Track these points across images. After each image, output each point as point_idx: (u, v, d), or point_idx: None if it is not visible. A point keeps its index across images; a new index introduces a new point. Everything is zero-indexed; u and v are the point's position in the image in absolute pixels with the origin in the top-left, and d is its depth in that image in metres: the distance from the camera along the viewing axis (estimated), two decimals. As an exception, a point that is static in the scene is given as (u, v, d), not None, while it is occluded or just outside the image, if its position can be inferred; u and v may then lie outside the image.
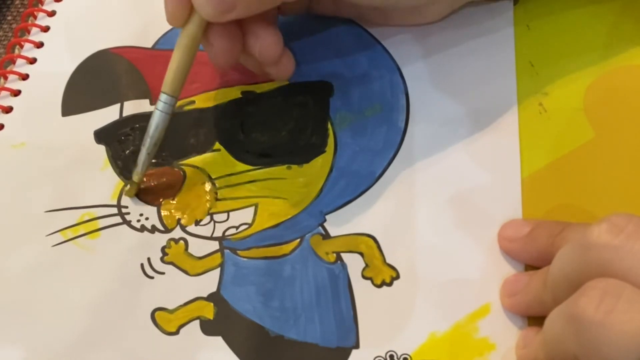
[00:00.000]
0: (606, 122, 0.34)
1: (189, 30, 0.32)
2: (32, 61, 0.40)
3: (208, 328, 0.31)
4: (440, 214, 0.32)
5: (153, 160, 0.35)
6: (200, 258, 0.32)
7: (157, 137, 0.33)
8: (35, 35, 0.41)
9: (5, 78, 0.39)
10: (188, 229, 0.33)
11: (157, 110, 0.32)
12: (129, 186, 0.34)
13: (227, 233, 0.33)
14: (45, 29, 0.41)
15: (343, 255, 0.32)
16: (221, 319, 0.31)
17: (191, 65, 0.32)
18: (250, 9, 0.31)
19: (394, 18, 0.37)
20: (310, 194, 0.34)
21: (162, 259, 0.33)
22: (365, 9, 0.37)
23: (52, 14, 0.41)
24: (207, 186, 0.34)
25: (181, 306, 0.31)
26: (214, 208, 0.34)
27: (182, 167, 0.35)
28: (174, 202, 0.34)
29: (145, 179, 0.34)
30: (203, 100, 0.37)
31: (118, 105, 0.37)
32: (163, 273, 0.32)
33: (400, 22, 0.37)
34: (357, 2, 0.35)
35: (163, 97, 0.32)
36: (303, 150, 0.35)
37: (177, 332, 0.31)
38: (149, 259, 0.33)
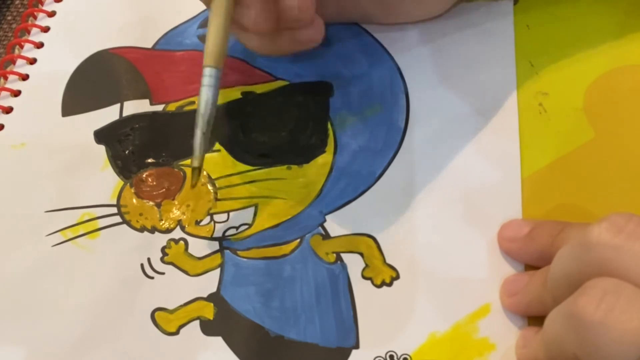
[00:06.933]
0: (606, 122, 0.34)
1: None
2: (32, 61, 0.40)
3: (208, 328, 0.31)
4: (440, 213, 0.32)
5: (152, 161, 0.35)
6: (200, 258, 0.32)
7: (209, 115, 0.31)
8: (35, 35, 0.41)
9: (6, 78, 0.39)
10: (188, 229, 0.33)
11: (204, 86, 0.31)
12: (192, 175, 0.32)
13: (227, 233, 0.33)
14: (45, 29, 0.41)
15: (343, 255, 0.32)
16: (221, 319, 0.31)
17: (228, 35, 0.31)
18: None
19: (398, 13, 0.37)
20: (310, 194, 0.34)
21: (162, 259, 0.33)
22: (370, 6, 0.37)
23: (52, 14, 0.42)
24: (207, 186, 0.34)
25: (181, 306, 0.31)
26: (214, 208, 0.34)
27: (182, 167, 0.35)
28: (174, 202, 0.34)
29: (144, 179, 0.34)
30: (203, 101, 0.37)
31: (118, 105, 0.37)
32: (163, 273, 0.32)
33: (403, 18, 0.37)
34: None
35: (207, 70, 0.31)
36: (303, 151, 0.35)
37: (177, 332, 0.31)
38: (149, 259, 0.33)
